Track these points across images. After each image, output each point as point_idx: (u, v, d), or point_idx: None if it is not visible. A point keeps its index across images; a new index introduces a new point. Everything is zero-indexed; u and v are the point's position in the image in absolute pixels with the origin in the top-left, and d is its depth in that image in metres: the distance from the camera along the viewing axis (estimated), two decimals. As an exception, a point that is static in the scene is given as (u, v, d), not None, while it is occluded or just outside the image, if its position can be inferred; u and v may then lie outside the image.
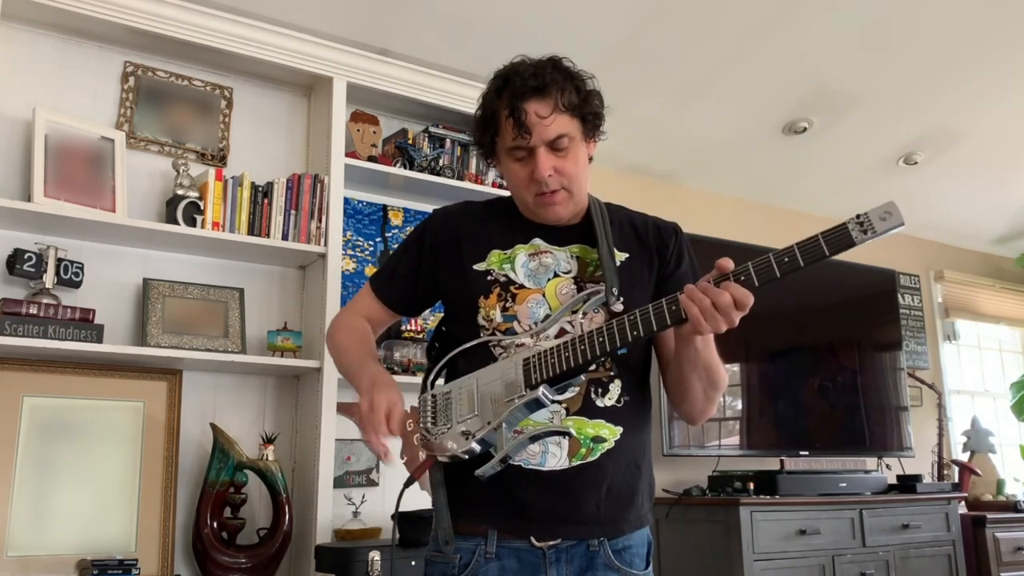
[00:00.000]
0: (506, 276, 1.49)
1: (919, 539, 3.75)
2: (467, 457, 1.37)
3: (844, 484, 3.69)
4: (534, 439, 1.36)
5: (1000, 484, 4.69)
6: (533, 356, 1.37)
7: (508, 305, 1.46)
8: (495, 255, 1.51)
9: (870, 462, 4.06)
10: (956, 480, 4.54)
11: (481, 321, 1.47)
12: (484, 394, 1.40)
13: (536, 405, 1.35)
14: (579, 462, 1.39)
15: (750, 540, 3.20)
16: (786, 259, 1.22)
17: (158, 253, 2.73)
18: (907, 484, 3.91)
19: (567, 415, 1.41)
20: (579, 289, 1.47)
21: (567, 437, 1.39)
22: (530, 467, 1.39)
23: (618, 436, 1.42)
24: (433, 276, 1.56)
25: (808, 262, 1.21)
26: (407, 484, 1.47)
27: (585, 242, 1.52)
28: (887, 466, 4.10)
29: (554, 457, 1.39)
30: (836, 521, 3.49)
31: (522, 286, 1.48)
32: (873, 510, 3.62)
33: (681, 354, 1.43)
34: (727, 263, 1.27)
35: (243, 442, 2.64)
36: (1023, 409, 5.05)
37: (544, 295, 1.47)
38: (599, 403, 1.43)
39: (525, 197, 1.49)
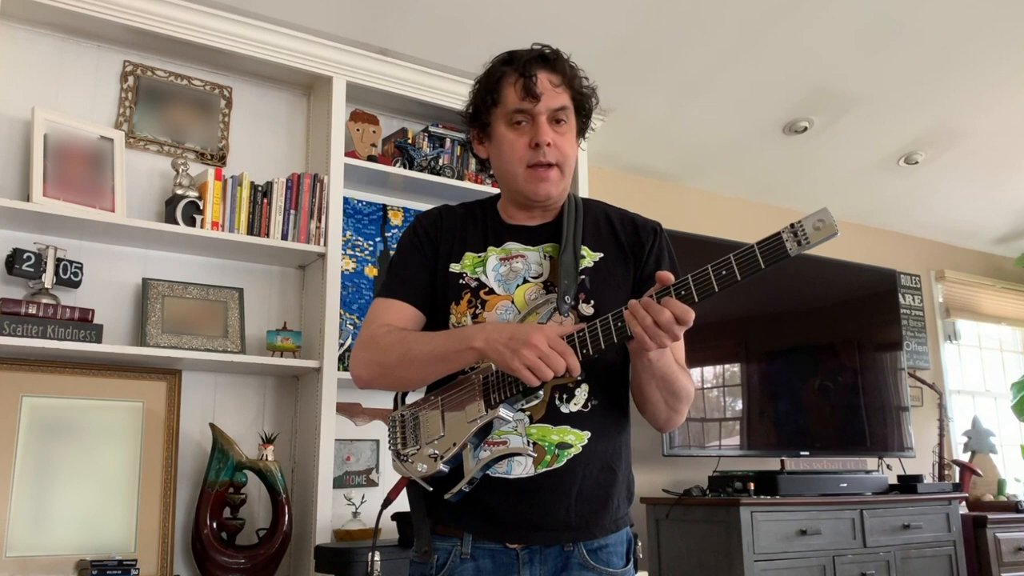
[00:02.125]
0: (477, 280, 1.48)
1: (920, 539, 3.74)
2: (432, 486, 1.40)
3: (845, 484, 3.68)
4: (488, 466, 1.37)
5: (1001, 484, 4.69)
6: (492, 375, 1.37)
7: (478, 312, 1.45)
8: (469, 257, 1.50)
9: (871, 462, 4.06)
10: (957, 480, 4.54)
11: (451, 328, 1.46)
12: (448, 413, 1.41)
13: (497, 424, 1.37)
14: (545, 469, 1.38)
15: (751, 540, 3.20)
16: (723, 272, 1.20)
17: (157, 253, 2.73)
18: (908, 484, 3.90)
19: (530, 423, 1.40)
20: (548, 293, 1.45)
21: (531, 445, 1.39)
22: (497, 475, 1.39)
23: (585, 441, 1.40)
24: (432, 272, 1.53)
25: (745, 275, 1.19)
26: (384, 506, 1.50)
27: (558, 240, 1.49)
28: (888, 466, 4.09)
29: (520, 465, 1.38)
30: (837, 521, 3.48)
31: (491, 291, 1.47)
32: (874, 510, 3.61)
33: (636, 365, 1.40)
34: (667, 277, 1.25)
35: (242, 442, 2.64)
36: (1024, 409, 5.05)
37: (513, 301, 1.45)
38: (563, 409, 1.41)
39: (517, 170, 1.47)
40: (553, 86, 1.45)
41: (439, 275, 1.51)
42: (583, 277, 1.45)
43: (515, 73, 1.45)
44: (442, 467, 1.38)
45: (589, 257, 1.49)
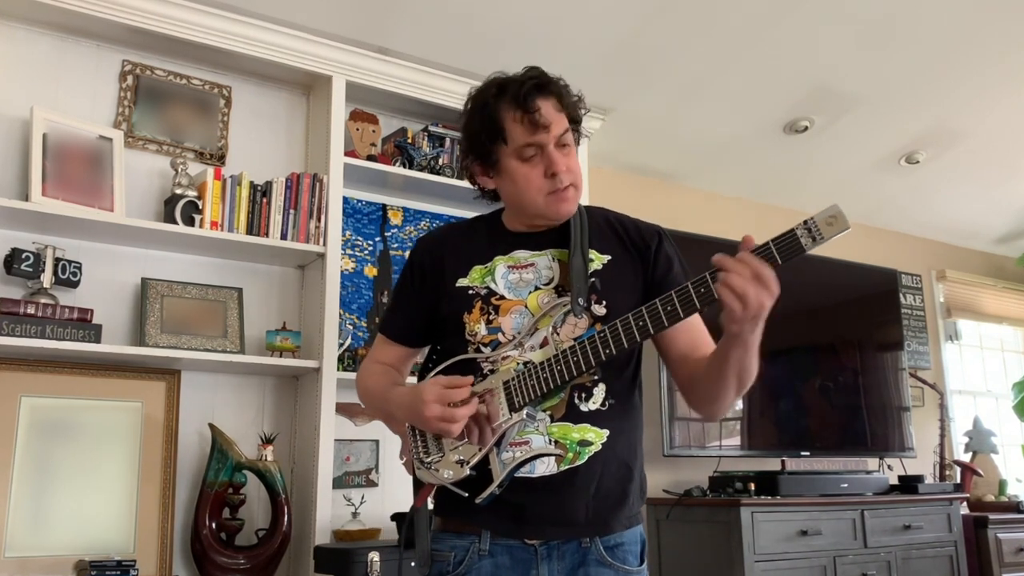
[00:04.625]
0: (487, 288, 1.49)
1: (921, 540, 3.74)
2: (463, 492, 1.40)
3: (845, 485, 3.68)
4: (518, 467, 1.38)
5: (1002, 485, 4.68)
6: (513, 379, 1.39)
7: (492, 318, 1.47)
8: (476, 270, 1.52)
9: (871, 462, 4.05)
10: (958, 481, 4.53)
11: (467, 337, 1.48)
12: (471, 418, 1.41)
13: (522, 426, 1.39)
14: (567, 467, 1.40)
15: (751, 541, 3.19)
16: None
17: (156, 253, 2.72)
18: (909, 485, 3.90)
19: (551, 421, 1.41)
20: (560, 297, 1.46)
21: (554, 444, 1.40)
22: (521, 475, 1.40)
23: (604, 439, 1.42)
24: (430, 301, 1.55)
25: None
26: (411, 514, 1.49)
27: (564, 246, 1.51)
28: (888, 466, 4.09)
29: (543, 464, 1.40)
30: (837, 522, 3.48)
31: (503, 297, 1.48)
32: (874, 511, 3.61)
33: (727, 355, 1.32)
34: (752, 239, 1.25)
35: (242, 442, 2.63)
36: (1025, 409, 5.04)
37: (527, 306, 1.47)
38: (583, 408, 1.42)
39: (536, 199, 1.47)
40: (555, 112, 1.44)
41: (446, 293, 1.51)
42: (593, 279, 1.47)
43: (516, 108, 1.43)
44: (469, 471, 1.39)
45: (598, 260, 1.50)
